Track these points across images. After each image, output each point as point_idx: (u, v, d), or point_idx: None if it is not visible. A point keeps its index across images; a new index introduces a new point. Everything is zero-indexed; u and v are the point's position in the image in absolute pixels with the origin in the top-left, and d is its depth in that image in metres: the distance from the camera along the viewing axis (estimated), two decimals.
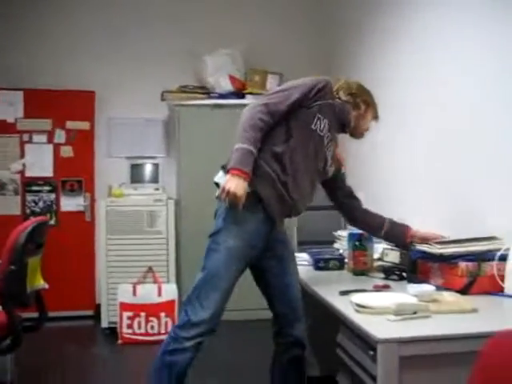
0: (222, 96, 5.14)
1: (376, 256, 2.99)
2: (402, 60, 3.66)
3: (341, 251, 3.19)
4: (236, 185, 2.13)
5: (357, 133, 2.60)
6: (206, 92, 5.17)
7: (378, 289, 2.37)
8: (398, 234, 2.65)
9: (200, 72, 5.22)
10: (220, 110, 5.05)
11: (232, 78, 5.19)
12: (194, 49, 5.14)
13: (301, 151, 2.34)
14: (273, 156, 2.31)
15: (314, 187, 2.49)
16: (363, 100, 2.52)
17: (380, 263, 2.92)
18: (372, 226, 2.69)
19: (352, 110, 2.49)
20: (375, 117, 2.61)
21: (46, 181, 5.09)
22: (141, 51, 5.30)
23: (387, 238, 2.73)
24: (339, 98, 2.45)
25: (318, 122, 2.34)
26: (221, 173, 2.35)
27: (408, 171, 3.62)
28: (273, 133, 2.31)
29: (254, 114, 2.24)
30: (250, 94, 5.18)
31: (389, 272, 2.66)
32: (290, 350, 2.47)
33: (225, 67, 5.17)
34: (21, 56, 5.17)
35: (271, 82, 5.25)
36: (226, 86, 5.17)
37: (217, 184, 2.33)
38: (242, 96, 5.18)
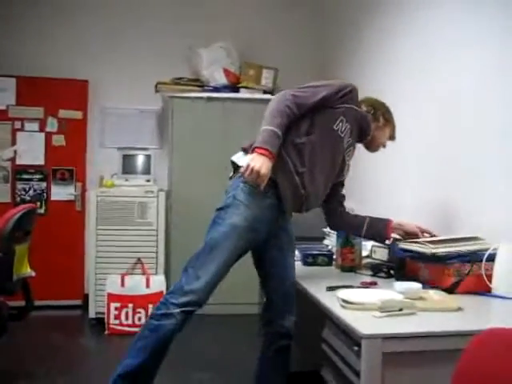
0: (216, 89, 5.12)
1: (365, 253, 3.00)
2: (401, 57, 3.64)
3: (329, 247, 3.19)
4: (261, 163, 2.14)
5: (372, 145, 2.67)
6: (201, 85, 5.15)
7: (365, 285, 2.37)
8: (379, 229, 2.66)
9: (195, 65, 5.20)
10: (214, 103, 5.05)
11: (227, 72, 5.17)
12: (189, 41, 5.11)
13: (320, 148, 2.38)
14: (294, 147, 2.34)
15: (326, 187, 2.53)
16: (383, 114, 2.61)
17: (368, 260, 2.93)
18: (353, 225, 2.72)
19: (372, 122, 2.57)
20: (392, 136, 2.69)
21: (36, 169, 5.06)
22: (136, 43, 5.27)
23: (369, 236, 2.72)
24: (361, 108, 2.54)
25: (341, 124, 2.40)
26: (240, 153, 2.40)
27: (399, 170, 3.63)
28: (296, 125, 2.35)
29: (282, 102, 2.28)
30: (245, 87, 5.17)
31: (377, 269, 2.66)
32: (279, 341, 2.48)
33: (220, 60, 5.15)
34: (14, 43, 5.14)
35: (266, 77, 5.24)
36: (221, 79, 5.15)
37: (233, 163, 2.40)
38: (237, 90, 5.17)
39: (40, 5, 5.27)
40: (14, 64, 5.05)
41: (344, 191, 2.75)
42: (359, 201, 3.74)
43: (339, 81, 2.51)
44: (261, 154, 2.16)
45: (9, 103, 5.02)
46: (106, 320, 4.36)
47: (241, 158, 2.35)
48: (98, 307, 4.58)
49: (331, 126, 2.38)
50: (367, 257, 2.99)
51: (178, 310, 2.17)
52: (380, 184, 3.96)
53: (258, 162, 2.14)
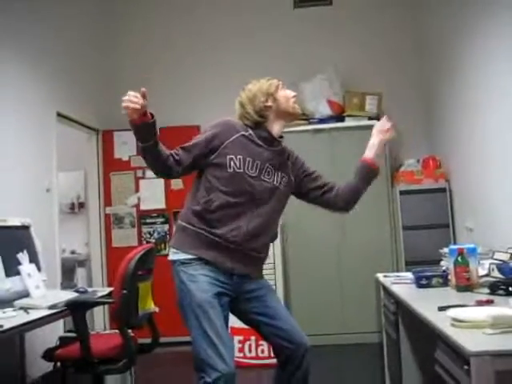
0: (321, 121, 5.22)
1: (483, 272, 2.88)
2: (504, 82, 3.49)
3: (444, 268, 3.09)
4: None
5: (289, 113, 2.49)
6: (306, 118, 5.25)
7: (480, 304, 2.28)
8: (361, 169, 2.57)
9: (299, 99, 5.31)
10: (320, 135, 5.13)
11: (330, 102, 5.25)
12: (293, 77, 5.25)
13: (226, 198, 2.33)
14: (194, 214, 2.36)
15: (263, 218, 2.40)
16: (264, 102, 2.44)
17: (487, 279, 2.80)
18: (350, 190, 2.58)
19: (269, 118, 2.45)
20: (277, 86, 2.49)
21: (159, 213, 5.40)
22: (237, 83, 5.49)
23: (363, 180, 2.58)
24: (252, 124, 2.44)
25: (233, 162, 2.34)
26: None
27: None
28: (195, 193, 2.41)
29: None
30: (350, 116, 5.20)
31: (494, 287, 2.54)
32: (301, 365, 2.43)
33: (323, 92, 5.25)
34: None
35: (370, 103, 5.24)
36: (325, 110, 5.24)
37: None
38: (342, 119, 5.23)
39: (150, 62, 5.76)
40: None
41: (326, 181, 2.60)
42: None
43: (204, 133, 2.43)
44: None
45: (130, 154, 5.44)
46: None
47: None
48: None
49: (226, 171, 2.33)
50: (486, 275, 2.87)
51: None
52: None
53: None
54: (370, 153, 2.59)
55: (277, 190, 2.45)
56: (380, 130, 2.60)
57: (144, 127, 2.22)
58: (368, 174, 2.58)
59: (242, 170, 2.35)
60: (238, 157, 2.35)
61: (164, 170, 2.34)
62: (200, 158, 2.38)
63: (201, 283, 2.29)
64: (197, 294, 2.27)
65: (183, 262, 2.34)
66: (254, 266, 2.45)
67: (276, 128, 2.47)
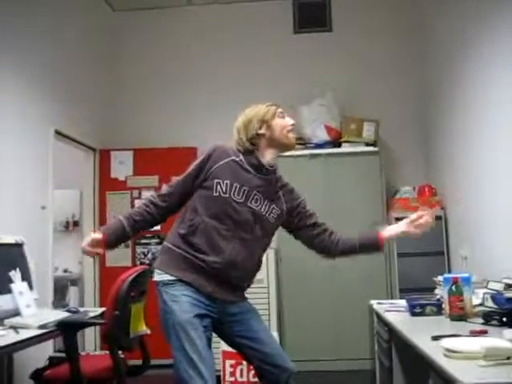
0: (318, 145, 5.23)
1: (477, 301, 2.87)
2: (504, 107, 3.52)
3: (438, 297, 3.09)
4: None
5: (282, 143, 2.46)
6: (303, 142, 5.27)
7: (474, 334, 2.27)
8: (370, 240, 2.56)
9: (296, 123, 5.34)
10: (316, 160, 5.15)
11: (328, 128, 5.27)
12: (290, 101, 5.29)
13: (210, 222, 2.32)
14: (179, 237, 2.37)
15: (248, 247, 2.39)
16: (257, 130, 2.42)
17: (481, 308, 2.79)
18: (347, 247, 2.61)
19: (261, 146, 2.43)
20: (274, 114, 2.46)
21: (154, 234, 5.38)
22: (237, 106, 5.53)
23: (362, 249, 2.59)
24: (244, 150, 2.43)
25: (219, 186, 2.33)
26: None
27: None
28: (183, 215, 2.42)
29: None
30: (346, 142, 5.22)
31: (488, 317, 2.54)
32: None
33: (320, 117, 5.27)
34: (130, 120, 5.66)
35: (368, 130, 5.27)
36: (322, 135, 5.26)
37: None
38: (338, 144, 5.25)
39: (149, 83, 5.83)
40: (130, 138, 5.53)
41: (320, 221, 2.64)
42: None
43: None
44: None
45: (127, 174, 5.44)
46: (222, 377, 4.44)
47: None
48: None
49: (212, 195, 2.33)
50: (480, 305, 2.86)
51: None
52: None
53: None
54: (387, 234, 2.55)
55: (264, 219, 2.42)
56: (412, 222, 2.50)
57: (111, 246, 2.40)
58: (372, 248, 2.58)
59: (227, 195, 2.34)
60: (226, 181, 2.34)
61: (164, 220, 2.48)
62: (192, 186, 2.39)
63: (183, 304, 2.28)
64: (179, 314, 2.26)
65: (166, 283, 2.34)
66: (234, 292, 2.43)
67: (268, 157, 2.43)
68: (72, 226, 6.00)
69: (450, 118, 4.58)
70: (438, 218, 4.82)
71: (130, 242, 5.39)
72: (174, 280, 2.33)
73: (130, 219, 2.38)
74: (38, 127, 4.39)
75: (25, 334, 2.61)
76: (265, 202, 2.42)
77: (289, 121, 2.49)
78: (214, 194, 2.33)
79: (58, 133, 4.67)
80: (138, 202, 2.36)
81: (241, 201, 2.36)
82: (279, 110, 2.50)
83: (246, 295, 2.55)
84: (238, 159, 2.40)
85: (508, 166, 3.42)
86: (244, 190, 2.36)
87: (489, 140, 3.70)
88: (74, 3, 5.14)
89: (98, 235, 2.34)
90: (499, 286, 2.88)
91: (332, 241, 2.59)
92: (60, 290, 5.29)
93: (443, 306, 2.86)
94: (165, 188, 2.46)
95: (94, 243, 2.34)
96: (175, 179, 2.45)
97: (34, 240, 3.93)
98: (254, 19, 5.90)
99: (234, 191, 2.35)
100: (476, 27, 3.83)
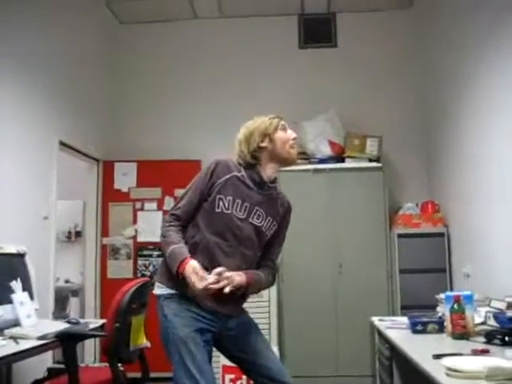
0: (321, 161, 5.23)
1: (479, 320, 2.86)
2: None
3: (440, 314, 3.07)
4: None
5: (283, 158, 2.43)
6: (307, 157, 5.28)
7: (475, 353, 2.25)
8: None
9: (300, 138, 5.35)
10: (319, 174, 5.15)
11: (331, 143, 5.28)
12: (293, 114, 5.31)
13: (212, 239, 2.31)
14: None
15: (247, 261, 2.38)
16: (258, 143, 2.41)
17: (483, 327, 2.78)
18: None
19: (262, 160, 2.41)
20: (276, 127, 2.44)
21: (155, 246, 5.37)
22: (241, 119, 5.56)
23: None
24: (245, 164, 2.41)
25: (221, 202, 2.32)
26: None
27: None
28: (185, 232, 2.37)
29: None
30: (350, 157, 5.23)
31: (490, 336, 2.52)
32: None
33: (324, 133, 5.28)
34: (133, 131, 5.69)
35: (371, 145, 5.27)
36: (326, 150, 5.26)
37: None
38: (342, 160, 5.25)
39: (153, 95, 5.86)
40: (134, 150, 5.55)
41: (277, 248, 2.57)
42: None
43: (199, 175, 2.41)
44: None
45: (130, 186, 5.45)
46: None
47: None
48: None
49: (214, 211, 2.32)
50: (482, 323, 2.84)
51: None
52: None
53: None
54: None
55: (263, 234, 2.42)
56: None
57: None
58: None
59: (230, 211, 2.33)
60: (228, 197, 2.33)
61: None
62: (196, 201, 2.36)
63: (184, 318, 2.27)
64: (179, 328, 2.25)
65: (167, 297, 2.33)
66: (234, 306, 2.43)
67: (268, 171, 2.42)
68: (74, 236, 6.00)
69: (454, 134, 4.58)
70: (440, 234, 4.81)
71: (131, 254, 5.39)
72: (174, 294, 2.32)
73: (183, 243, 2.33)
74: (43, 138, 4.40)
75: (24, 345, 2.60)
76: (267, 217, 2.42)
77: (291, 134, 2.48)
78: (217, 210, 2.32)
79: (62, 143, 4.69)
80: (161, 228, 2.28)
81: (243, 217, 2.35)
82: (282, 122, 2.48)
83: (247, 309, 2.54)
84: (239, 175, 2.39)
85: (509, 184, 3.42)
86: (246, 206, 2.36)
87: (493, 156, 3.70)
88: (83, 16, 5.19)
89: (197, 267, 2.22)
90: (502, 305, 2.87)
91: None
92: (61, 300, 5.27)
93: (445, 323, 2.84)
94: (175, 208, 2.40)
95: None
96: (184, 198, 2.39)
97: (36, 250, 3.92)
98: (260, 34, 5.94)
99: (237, 207, 2.34)
100: (480, 44, 3.85)
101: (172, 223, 2.34)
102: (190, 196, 2.38)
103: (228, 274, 2.23)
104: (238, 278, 2.28)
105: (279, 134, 2.44)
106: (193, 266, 2.19)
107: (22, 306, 2.97)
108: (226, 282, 2.21)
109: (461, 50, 4.27)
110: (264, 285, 2.48)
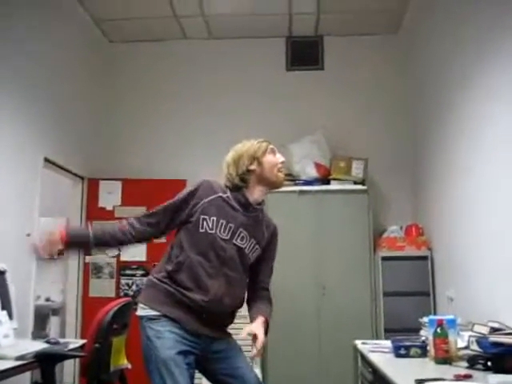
0: (307, 182, 5.25)
1: (462, 344, 2.85)
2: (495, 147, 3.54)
3: (423, 338, 3.06)
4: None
5: (271, 181, 2.47)
6: (292, 179, 5.29)
7: (458, 378, 2.24)
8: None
9: (286, 160, 5.35)
10: (305, 196, 5.16)
11: (317, 165, 5.30)
12: (279, 136, 5.32)
13: (196, 258, 2.32)
14: (166, 273, 2.35)
15: (231, 283, 2.38)
16: (247, 166, 2.43)
17: (466, 352, 2.77)
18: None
19: (250, 183, 2.43)
20: (264, 150, 2.47)
21: (139, 265, 5.33)
22: (228, 140, 5.57)
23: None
24: (232, 186, 2.43)
25: (205, 223, 2.34)
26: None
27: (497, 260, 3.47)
28: (170, 251, 2.41)
29: None
30: (335, 179, 5.25)
31: (473, 361, 2.52)
32: None
33: (310, 154, 5.31)
34: (118, 150, 5.70)
35: (356, 167, 5.30)
36: (312, 172, 5.28)
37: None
38: (327, 182, 5.27)
39: (140, 114, 5.88)
40: (119, 168, 5.53)
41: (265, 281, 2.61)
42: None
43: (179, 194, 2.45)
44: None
45: (115, 204, 5.42)
46: None
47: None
48: None
49: (198, 231, 2.33)
50: (465, 348, 2.84)
51: None
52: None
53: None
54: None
55: (246, 256, 2.43)
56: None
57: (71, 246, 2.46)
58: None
59: (214, 231, 2.34)
60: (212, 218, 2.34)
61: (133, 243, 2.49)
62: (174, 217, 2.39)
63: (167, 340, 2.25)
64: (162, 350, 2.23)
65: (150, 318, 2.31)
66: (218, 329, 2.42)
67: (256, 194, 2.45)
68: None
69: (439, 158, 4.62)
70: (424, 258, 4.82)
71: (114, 273, 5.33)
72: (158, 315, 2.30)
73: (99, 229, 2.37)
74: (28, 154, 4.37)
75: (1, 365, 2.55)
76: (250, 240, 2.42)
77: (279, 158, 2.51)
78: (201, 231, 2.33)
79: (46, 160, 4.66)
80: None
81: (227, 238, 2.36)
82: (270, 146, 2.51)
83: (231, 332, 2.52)
84: (224, 196, 2.41)
85: (493, 209, 3.44)
86: (230, 227, 2.37)
87: (477, 181, 3.73)
88: (71, 34, 5.20)
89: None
90: (485, 330, 2.86)
91: (249, 298, 2.56)
92: (41, 319, 5.19)
93: (428, 348, 2.84)
94: (146, 212, 2.45)
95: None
96: (157, 207, 2.44)
97: (18, 267, 3.86)
98: (248, 55, 5.98)
99: (221, 228, 2.35)
100: (468, 68, 3.89)
101: (130, 220, 2.41)
102: (164, 206, 2.42)
103: (257, 335, 2.27)
104: (261, 336, 2.30)
105: (268, 158, 2.46)
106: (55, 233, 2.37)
107: (0, 325, 2.92)
108: (260, 349, 2.27)
109: (448, 74, 4.33)
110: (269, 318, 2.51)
